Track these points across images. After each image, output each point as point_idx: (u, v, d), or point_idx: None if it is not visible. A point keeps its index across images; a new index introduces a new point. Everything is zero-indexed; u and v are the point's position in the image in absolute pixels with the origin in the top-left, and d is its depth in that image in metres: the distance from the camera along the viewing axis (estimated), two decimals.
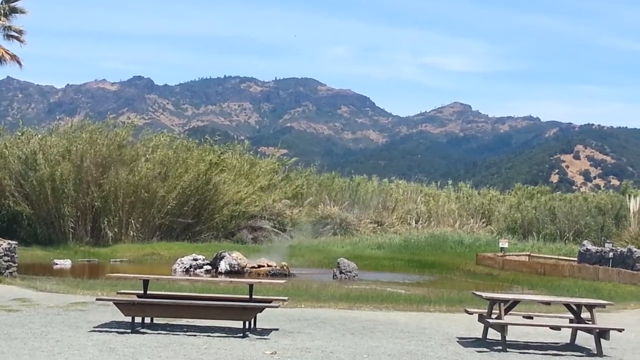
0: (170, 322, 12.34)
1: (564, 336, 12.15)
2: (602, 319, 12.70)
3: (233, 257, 25.21)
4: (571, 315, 11.88)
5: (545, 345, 11.71)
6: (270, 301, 12.30)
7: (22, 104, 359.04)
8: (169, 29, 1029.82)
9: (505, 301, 11.50)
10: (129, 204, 34.22)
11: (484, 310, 12.01)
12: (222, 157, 40.41)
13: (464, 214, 46.79)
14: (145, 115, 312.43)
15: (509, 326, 11.14)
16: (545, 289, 21.60)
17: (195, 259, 25.37)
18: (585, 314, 11.66)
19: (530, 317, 12.38)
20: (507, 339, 11.08)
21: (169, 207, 35.09)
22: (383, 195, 47.88)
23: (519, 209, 44.17)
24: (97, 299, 13.35)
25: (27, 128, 39.25)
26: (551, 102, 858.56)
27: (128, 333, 11.19)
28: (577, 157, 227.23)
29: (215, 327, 12.05)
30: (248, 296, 12.00)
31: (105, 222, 33.67)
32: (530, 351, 11.05)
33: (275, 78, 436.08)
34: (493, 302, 11.52)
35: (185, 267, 24.84)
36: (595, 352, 10.98)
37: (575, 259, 27.49)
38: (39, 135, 37.17)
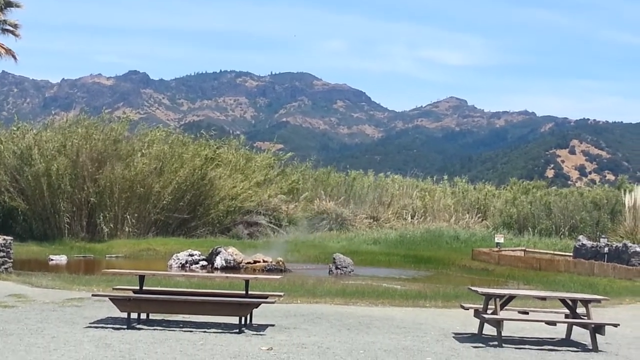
0: (166, 318, 12.33)
1: (560, 331, 12.17)
2: (598, 314, 12.72)
3: (229, 253, 25.21)
4: (567, 311, 11.89)
5: (541, 340, 11.73)
6: (266, 297, 12.30)
7: (18, 98, 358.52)
8: (164, 23, 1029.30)
9: (501, 296, 11.52)
10: (124, 200, 34.20)
11: (480, 306, 12.02)
12: (217, 152, 40.43)
13: (460, 209, 46.88)
14: (141, 110, 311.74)
15: (504, 321, 11.14)
16: (541, 284, 21.63)
17: (191, 255, 25.37)
18: (580, 309, 11.67)
19: (526, 313, 12.40)
20: (502, 334, 11.09)
21: (164, 202, 35.07)
22: (379, 191, 47.94)
23: (515, 204, 44.26)
24: (93, 295, 13.32)
25: (22, 123, 39.16)
26: (547, 97, 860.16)
27: (124, 329, 11.18)
28: (572, 152, 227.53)
29: (211, 322, 12.04)
30: (244, 292, 11.99)
31: (101, 218, 33.63)
32: (526, 346, 11.06)
33: (271, 72, 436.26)
34: (489, 297, 11.53)
35: (181, 263, 24.84)
36: (591, 347, 11.00)
37: (571, 254, 27.55)
38: (34, 130, 37.09)
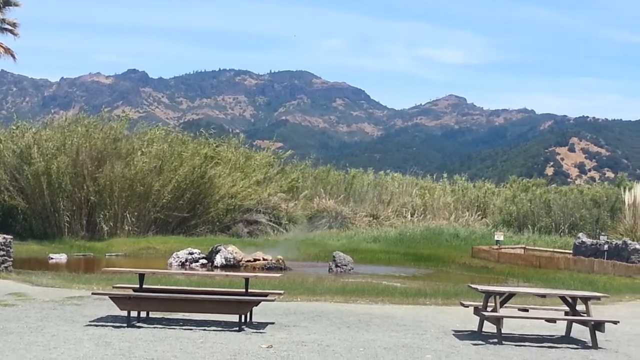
0: (166, 316, 12.34)
1: (560, 328, 12.18)
2: (597, 312, 12.73)
3: (229, 251, 25.21)
4: (566, 308, 11.90)
5: (541, 337, 11.74)
6: (266, 295, 12.30)
7: (17, 97, 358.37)
8: (163, 21, 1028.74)
9: (500, 294, 11.52)
10: (124, 198, 34.21)
11: (480, 303, 12.03)
12: (217, 151, 40.44)
13: (460, 207, 46.88)
14: (140, 109, 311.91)
15: (504, 319, 11.15)
16: (541, 281, 21.65)
17: (191, 253, 25.38)
18: (580, 307, 11.68)
19: (526, 310, 12.41)
20: (502, 332, 11.09)
21: (164, 201, 35.08)
22: (378, 189, 47.95)
23: (514, 202, 44.28)
24: (92, 293, 13.33)
25: (21, 122, 39.18)
26: (546, 95, 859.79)
27: (124, 327, 11.18)
28: (572, 150, 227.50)
29: (211, 320, 12.04)
30: (244, 290, 11.99)
31: (101, 216, 33.63)
32: (526, 344, 11.07)
33: (270, 71, 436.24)
34: (488, 294, 11.53)
35: (180, 261, 24.85)
36: (591, 345, 11.01)
37: (571, 251, 27.56)
38: (34, 129, 37.08)
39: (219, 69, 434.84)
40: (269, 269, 24.07)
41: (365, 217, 42.73)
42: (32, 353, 9.18)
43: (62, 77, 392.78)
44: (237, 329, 11.32)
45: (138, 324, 11.51)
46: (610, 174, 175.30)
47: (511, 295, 11.96)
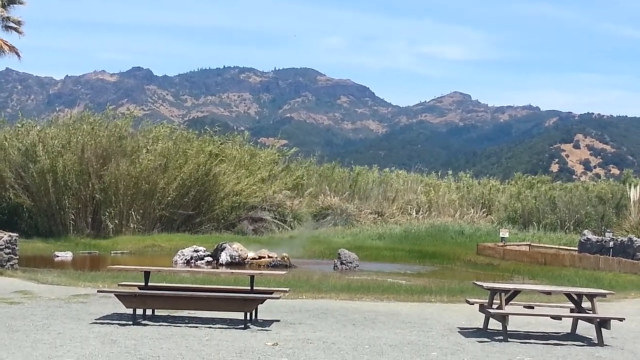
0: (171, 314, 12.35)
1: (565, 326, 12.16)
2: (603, 309, 12.71)
3: (234, 249, 25.23)
4: (572, 305, 11.88)
5: (547, 334, 11.72)
6: (271, 292, 12.30)
7: (22, 95, 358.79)
8: (167, 19, 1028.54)
9: (506, 291, 11.51)
10: (129, 196, 34.25)
11: (485, 301, 12.02)
12: (222, 148, 40.45)
13: (465, 204, 46.84)
14: (145, 106, 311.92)
15: (510, 316, 11.14)
16: (546, 278, 21.61)
17: (196, 251, 25.39)
18: (586, 304, 11.66)
19: (531, 307, 12.39)
20: (508, 329, 11.09)
21: (169, 198, 35.11)
22: (383, 186, 47.93)
23: (519, 199, 44.22)
24: (98, 291, 13.35)
25: (26, 120, 39.26)
26: (551, 91, 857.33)
27: (130, 325, 11.20)
28: (577, 147, 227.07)
29: (217, 318, 12.05)
30: (249, 287, 12.00)
31: (106, 214, 33.69)
32: (532, 341, 11.06)
33: (275, 68, 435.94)
34: (494, 292, 11.53)
35: (186, 259, 24.86)
36: (597, 342, 10.99)
37: (576, 248, 27.53)
38: (39, 127, 37.15)
39: (224, 66, 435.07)
40: (274, 266, 24.08)
41: (370, 214, 42.70)
42: (38, 351, 9.20)
43: (67, 75, 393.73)
44: (242, 326, 11.32)
45: (144, 322, 11.53)
46: (615, 171, 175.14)
47: (516, 292, 11.95)
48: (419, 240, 33.51)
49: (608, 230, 29.06)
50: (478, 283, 12.23)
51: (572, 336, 11.67)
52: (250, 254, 25.35)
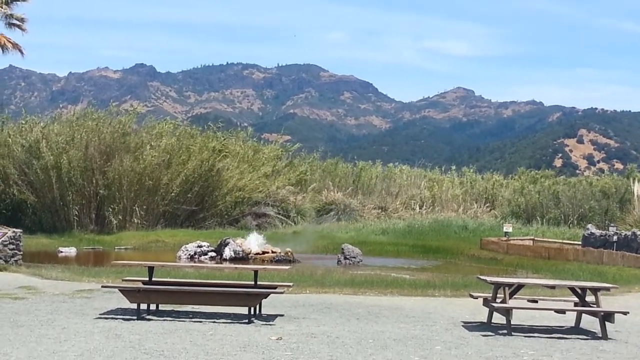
0: (175, 309, 12.38)
1: (569, 320, 12.16)
2: (607, 302, 12.70)
3: (237, 244, 25.24)
4: (576, 299, 11.88)
5: (550, 328, 11.73)
6: (275, 287, 12.32)
7: (25, 92, 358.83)
8: (170, 16, 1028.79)
9: (509, 285, 11.51)
10: (133, 192, 34.26)
11: (489, 295, 12.03)
12: (225, 144, 40.46)
13: (468, 198, 46.86)
14: (148, 103, 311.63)
15: (513, 310, 11.14)
16: (550, 272, 21.61)
17: (200, 246, 25.41)
18: (590, 298, 11.66)
19: (535, 301, 12.40)
20: (512, 323, 11.09)
21: (172, 194, 35.13)
22: (387, 181, 47.95)
23: (523, 194, 44.21)
24: (102, 286, 13.38)
25: (30, 116, 39.26)
26: (554, 86, 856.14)
27: (134, 320, 11.22)
28: (580, 141, 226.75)
29: (221, 313, 12.07)
30: (253, 282, 12.02)
31: (110, 210, 33.70)
32: (535, 335, 11.06)
33: (278, 64, 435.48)
34: (498, 286, 11.53)
35: (189, 254, 24.88)
36: (600, 335, 10.99)
37: (580, 242, 27.50)
38: (42, 124, 37.17)
39: (227, 62, 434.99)
40: (278, 261, 24.09)
41: (374, 209, 42.72)
42: (43, 346, 9.22)
43: (70, 72, 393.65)
44: (246, 321, 11.34)
45: (148, 317, 11.55)
46: (619, 165, 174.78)
47: (520, 286, 11.95)
48: (422, 235, 33.49)
49: (612, 224, 29.04)
50: (482, 277, 12.23)
51: (576, 330, 11.68)
52: (254, 249, 25.35)
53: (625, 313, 11.41)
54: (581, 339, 10.92)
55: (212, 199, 37.08)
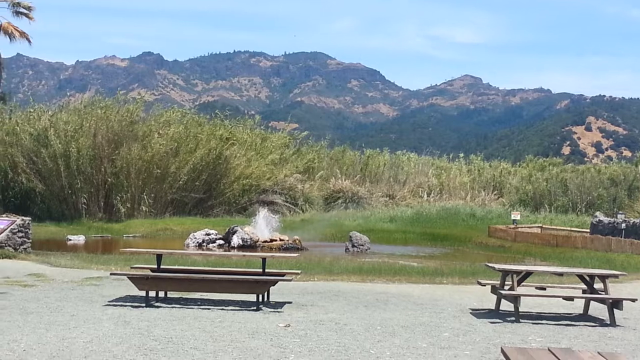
0: (184, 296, 12.40)
1: (577, 307, 12.15)
2: (615, 290, 12.68)
3: (245, 232, 25.28)
4: (584, 286, 11.86)
5: (559, 315, 11.72)
6: (283, 275, 12.32)
7: (33, 80, 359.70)
8: (178, 4, 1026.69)
9: (517, 273, 11.49)
10: (141, 180, 34.34)
11: (497, 282, 12.01)
12: (232, 132, 40.50)
13: (476, 186, 46.85)
14: (156, 91, 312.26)
15: (521, 297, 11.12)
16: (558, 260, 21.57)
17: (208, 234, 25.46)
18: (598, 285, 11.64)
19: (543, 288, 12.38)
20: (520, 310, 11.08)
21: (180, 182, 35.19)
22: (394, 169, 47.97)
23: (531, 181, 44.16)
24: (111, 274, 13.40)
25: (37, 105, 39.36)
26: (562, 74, 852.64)
27: (142, 307, 11.25)
28: (588, 129, 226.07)
29: (229, 300, 12.09)
30: (261, 270, 12.03)
31: (118, 198, 33.80)
32: (544, 322, 11.05)
33: (285, 52, 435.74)
34: (506, 273, 11.51)
35: (198, 242, 24.93)
36: (609, 322, 10.97)
37: (588, 230, 27.47)
38: (50, 112, 37.24)
39: (234, 50, 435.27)
40: (286, 249, 24.14)
41: (382, 197, 42.74)
42: (52, 332, 9.26)
43: (78, 60, 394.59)
44: (254, 308, 11.36)
45: (156, 304, 11.58)
46: (627, 153, 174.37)
47: (528, 274, 11.93)
48: (430, 223, 33.49)
49: (620, 212, 28.98)
50: (490, 265, 12.21)
51: (584, 317, 11.66)
52: (264, 235, 25.41)
53: (633, 300, 11.39)
54: (589, 325, 10.90)
55: (219, 186, 37.15)
